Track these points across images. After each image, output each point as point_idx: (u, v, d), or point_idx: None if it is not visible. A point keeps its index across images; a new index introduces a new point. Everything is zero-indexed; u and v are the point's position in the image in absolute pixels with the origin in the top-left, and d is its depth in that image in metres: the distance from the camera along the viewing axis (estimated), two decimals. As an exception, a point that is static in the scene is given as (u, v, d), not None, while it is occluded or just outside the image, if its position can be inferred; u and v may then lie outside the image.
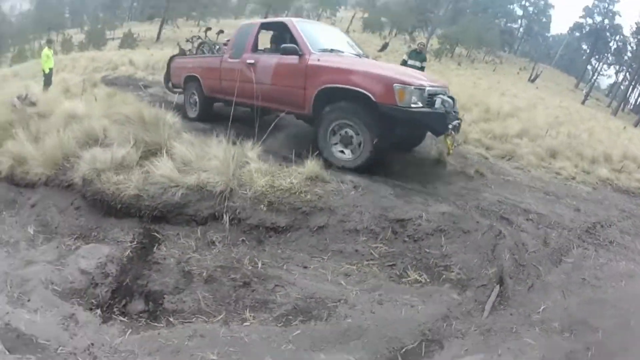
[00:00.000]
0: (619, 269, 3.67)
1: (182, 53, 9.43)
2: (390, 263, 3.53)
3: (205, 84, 7.41)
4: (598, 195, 6.18)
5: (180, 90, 8.48)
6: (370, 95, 4.70)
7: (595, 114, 26.00)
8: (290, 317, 2.94)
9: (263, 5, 52.67)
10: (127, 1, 74.46)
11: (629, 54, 53.25)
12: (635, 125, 33.28)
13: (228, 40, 8.71)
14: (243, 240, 3.75)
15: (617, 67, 57.89)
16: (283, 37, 6.47)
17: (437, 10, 55.27)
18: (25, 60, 36.61)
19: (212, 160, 4.42)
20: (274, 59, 5.91)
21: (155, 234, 3.93)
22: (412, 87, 4.68)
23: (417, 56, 10.30)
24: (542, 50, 64.31)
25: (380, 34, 47.48)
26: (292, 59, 5.53)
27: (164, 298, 3.24)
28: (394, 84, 4.64)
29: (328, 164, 4.81)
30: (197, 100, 7.73)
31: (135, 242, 3.84)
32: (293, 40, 5.78)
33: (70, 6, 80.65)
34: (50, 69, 13.74)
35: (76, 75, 17.74)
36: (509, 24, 63.87)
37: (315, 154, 4.65)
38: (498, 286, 3.32)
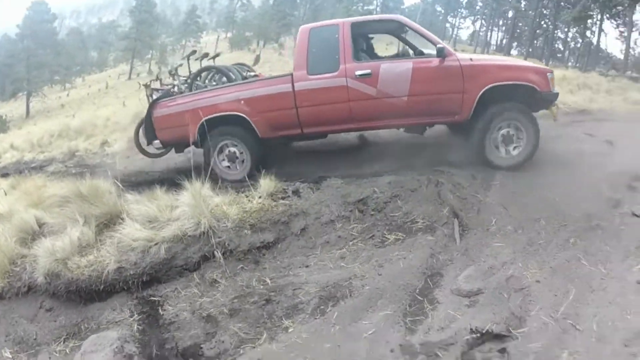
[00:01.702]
0: (531, 180, 4.80)
1: (168, 94, 6.29)
2: (370, 235, 4.16)
3: (264, 122, 5.39)
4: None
5: (163, 150, 6.41)
6: (536, 87, 5.01)
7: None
8: (322, 307, 3.39)
9: (127, 50, 51.18)
10: (-18, 83, 68.24)
11: (480, 4, 58.31)
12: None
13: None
14: (242, 268, 3.96)
15: (473, 17, 62.96)
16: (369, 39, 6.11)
17: (297, 12, 57.02)
18: None
19: (176, 208, 4.46)
20: (407, 65, 5.10)
21: (152, 298, 3.90)
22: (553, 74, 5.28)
23: None
24: (401, 23, 68.05)
25: (248, 49, 48.22)
26: (433, 62, 5.06)
27: (201, 348, 3.31)
28: (547, 74, 5.18)
29: (485, 167, 5.09)
30: (245, 150, 5.59)
31: (136, 315, 3.74)
32: (408, 40, 5.57)
33: None
34: None
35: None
36: (365, 7, 66.97)
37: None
38: (455, 219, 4.18)
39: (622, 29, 30.11)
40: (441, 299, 3.36)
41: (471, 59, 5.14)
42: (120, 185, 5.10)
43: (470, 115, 5.09)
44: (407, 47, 5.70)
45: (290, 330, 3.25)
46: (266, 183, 4.73)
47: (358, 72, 5.09)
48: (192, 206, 4.28)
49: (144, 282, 3.99)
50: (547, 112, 5.56)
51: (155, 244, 4.11)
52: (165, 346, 3.41)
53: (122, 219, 4.49)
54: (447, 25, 66.41)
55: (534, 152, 5.16)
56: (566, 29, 43.09)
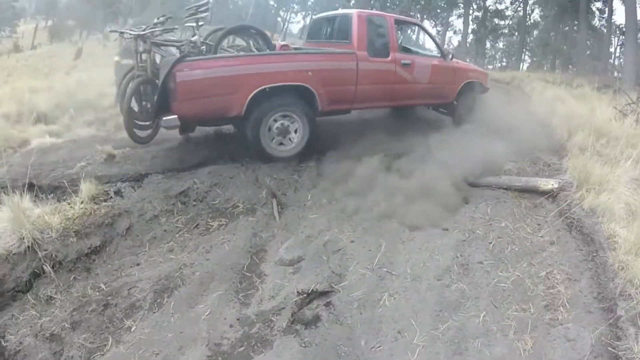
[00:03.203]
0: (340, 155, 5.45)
1: (198, 51, 5.20)
2: (194, 225, 4.42)
3: (326, 95, 5.39)
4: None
5: (155, 131, 5.69)
6: (483, 84, 7.74)
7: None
8: (159, 300, 3.55)
9: None
10: None
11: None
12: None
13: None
14: (74, 278, 3.84)
15: (304, 13, 64.22)
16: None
17: (124, -1, 50.78)
18: None
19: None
20: (430, 60, 6.80)
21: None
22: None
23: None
24: (235, 15, 66.63)
25: (70, 41, 41.71)
26: (441, 61, 6.92)
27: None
28: (487, 75, 8.19)
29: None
30: (303, 123, 5.37)
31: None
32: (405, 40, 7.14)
33: None
34: None
35: None
36: (195, -1, 63.10)
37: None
38: (274, 199, 4.68)
39: (439, 29, 37.06)
40: (268, 272, 3.84)
41: (457, 62, 7.29)
42: None
43: (454, 99, 7.21)
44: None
45: (133, 329, 3.35)
46: (87, 186, 4.57)
47: (403, 61, 6.24)
48: (12, 220, 3.96)
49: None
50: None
51: (-22, 274, 3.75)
52: (16, 383, 3.26)
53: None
54: (279, 19, 67.13)
55: None
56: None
